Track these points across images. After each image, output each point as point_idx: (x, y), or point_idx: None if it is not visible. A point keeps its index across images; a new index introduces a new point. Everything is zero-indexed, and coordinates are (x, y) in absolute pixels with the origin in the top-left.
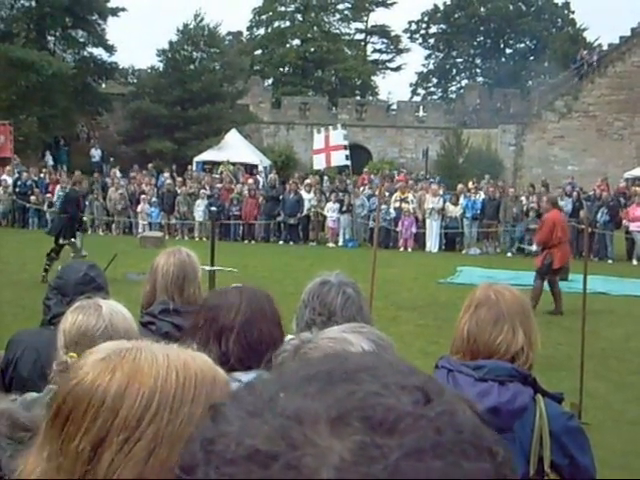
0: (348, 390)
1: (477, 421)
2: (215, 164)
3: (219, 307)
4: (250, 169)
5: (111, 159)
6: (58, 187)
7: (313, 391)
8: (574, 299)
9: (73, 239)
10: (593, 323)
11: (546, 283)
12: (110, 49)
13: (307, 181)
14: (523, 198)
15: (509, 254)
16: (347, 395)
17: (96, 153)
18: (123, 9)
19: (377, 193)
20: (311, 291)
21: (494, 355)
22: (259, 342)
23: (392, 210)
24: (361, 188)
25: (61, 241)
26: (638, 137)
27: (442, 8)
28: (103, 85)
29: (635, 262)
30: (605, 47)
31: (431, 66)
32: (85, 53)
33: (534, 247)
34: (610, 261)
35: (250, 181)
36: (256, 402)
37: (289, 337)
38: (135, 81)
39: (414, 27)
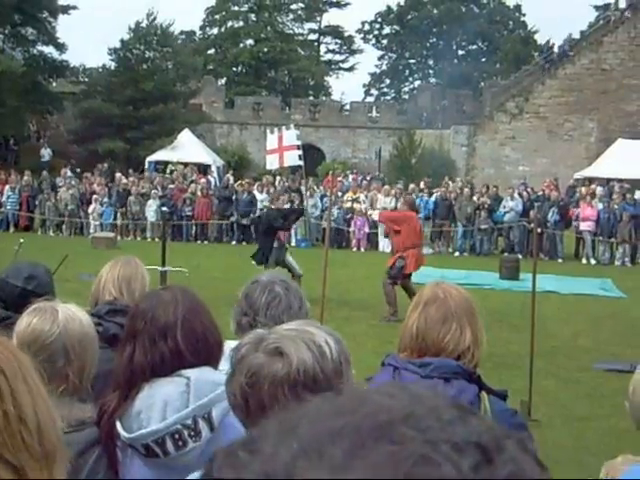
0: (388, 454)
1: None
2: (168, 164)
3: (156, 306)
4: (203, 169)
5: (72, 161)
6: (7, 187)
7: (340, 458)
8: (524, 298)
9: None
10: (543, 321)
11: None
12: (61, 47)
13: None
14: (475, 198)
15: (458, 253)
16: (388, 463)
17: (46, 152)
18: (74, 7)
19: (329, 193)
20: (242, 291)
21: (441, 353)
22: (204, 334)
23: (339, 210)
24: (321, 188)
25: None
26: (587, 138)
27: (395, 9)
28: (54, 84)
29: (584, 261)
30: (556, 50)
31: (384, 67)
32: (35, 51)
33: (375, 215)
34: (560, 260)
35: (203, 181)
36: (267, 472)
37: (232, 341)
38: (86, 80)
39: (367, 28)
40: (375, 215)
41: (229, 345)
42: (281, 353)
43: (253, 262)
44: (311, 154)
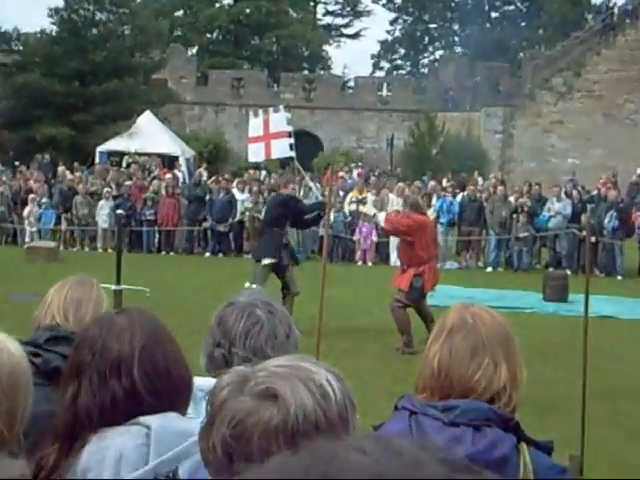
0: None
1: None
2: (124, 156)
3: (108, 334)
4: (169, 162)
5: (2, 151)
6: None
7: None
8: (574, 324)
9: None
10: (598, 355)
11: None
12: None
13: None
14: (512, 199)
15: (490, 269)
16: None
17: None
18: None
19: (327, 193)
20: (215, 316)
21: (470, 394)
22: (168, 370)
23: (347, 212)
24: (317, 186)
25: None
26: None
27: None
28: None
29: None
30: (616, 11)
31: (398, 33)
32: None
33: (380, 220)
34: (619, 277)
35: (168, 177)
36: None
37: (203, 379)
38: (21, 49)
39: None
40: (380, 220)
41: (199, 384)
42: (274, 395)
43: (266, 261)
44: (305, 143)
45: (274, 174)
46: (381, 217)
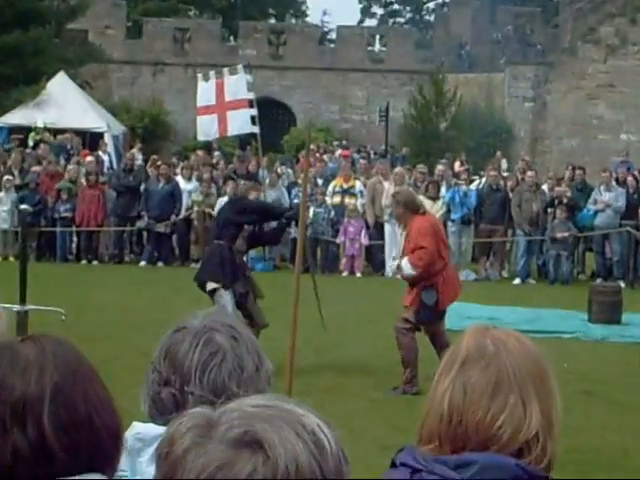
0: None
1: None
2: (31, 132)
3: (9, 370)
4: (91, 141)
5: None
6: None
7: None
8: (630, 354)
9: None
10: None
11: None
12: None
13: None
14: (546, 188)
15: (518, 280)
16: None
17: None
18: None
19: (301, 181)
20: (160, 345)
21: (491, 445)
22: (88, 416)
23: (330, 207)
24: (289, 172)
25: None
26: None
27: None
28: None
29: None
30: None
31: None
32: None
33: (406, 269)
34: None
35: (90, 160)
36: None
37: (142, 425)
38: None
39: None
40: (406, 268)
41: (137, 432)
42: (257, 442)
43: (210, 285)
44: (273, 115)
45: (235, 156)
46: (404, 264)
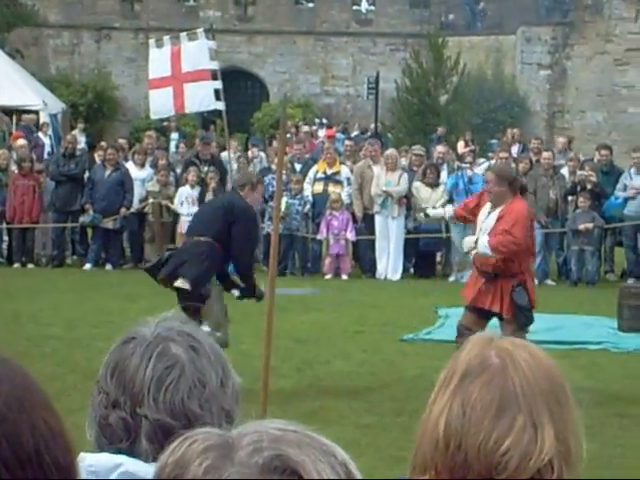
0: None
1: None
2: None
3: None
4: (21, 120)
5: None
6: None
7: None
8: None
9: None
10: None
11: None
12: None
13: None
14: (566, 171)
15: (537, 281)
16: None
17: None
18: None
19: (275, 166)
20: (106, 360)
21: (495, 474)
22: (37, 450)
23: (309, 198)
24: (261, 156)
25: None
26: None
27: None
28: None
29: None
30: None
31: None
32: None
33: (482, 247)
34: None
35: (22, 144)
36: None
37: (95, 456)
38: None
39: None
40: (482, 247)
41: (91, 463)
42: (291, 469)
43: (179, 282)
44: (241, 88)
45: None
46: (482, 242)
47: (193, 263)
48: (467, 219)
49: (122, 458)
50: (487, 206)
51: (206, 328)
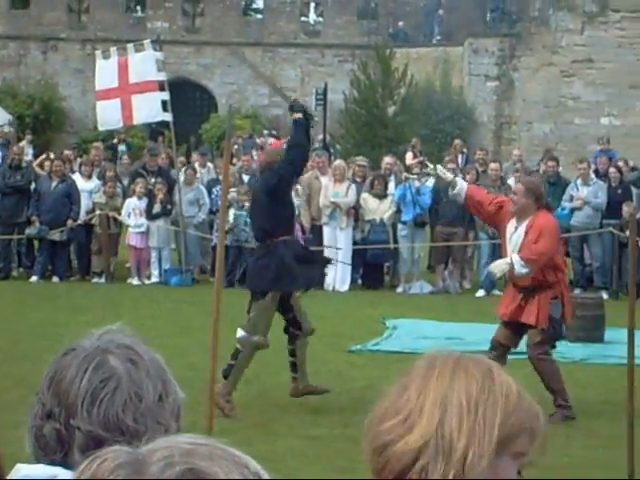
0: None
1: None
2: None
3: None
4: None
5: None
6: None
7: None
8: (613, 377)
9: None
10: None
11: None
12: None
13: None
14: (512, 182)
15: (483, 292)
16: None
17: None
18: None
19: (222, 177)
20: (47, 371)
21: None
22: None
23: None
24: (209, 167)
25: None
26: None
27: None
28: None
29: None
30: None
31: None
32: None
33: (518, 266)
34: None
35: None
36: None
37: (30, 467)
38: None
39: None
40: (518, 264)
41: (22, 475)
42: None
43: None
44: (189, 100)
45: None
46: (517, 261)
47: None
48: (476, 208)
49: (57, 470)
50: (513, 221)
51: (241, 332)
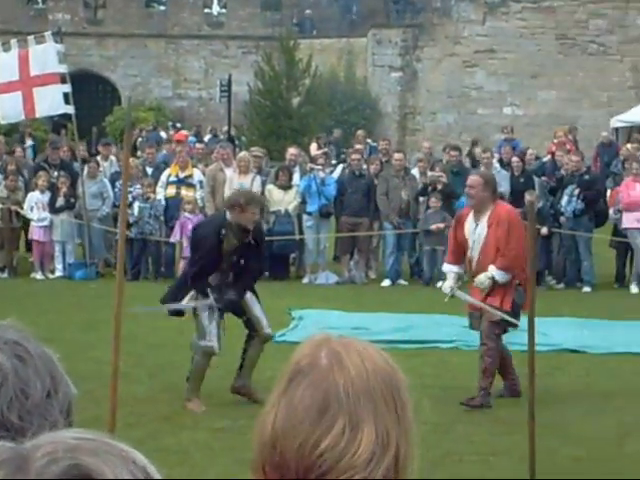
0: None
1: None
2: None
3: None
4: None
5: None
6: None
7: None
8: (517, 364)
9: None
10: (554, 409)
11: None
12: None
13: None
14: (416, 172)
15: (388, 282)
16: None
17: None
18: None
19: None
20: None
21: (310, 474)
22: None
23: (162, 201)
24: (112, 160)
25: None
26: (636, 49)
27: None
28: None
29: (635, 289)
30: None
31: None
32: None
33: (501, 278)
34: (587, 289)
35: None
36: None
37: None
38: None
39: None
40: (496, 275)
41: None
42: (88, 477)
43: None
44: (91, 92)
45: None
46: (498, 274)
47: None
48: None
49: None
50: (470, 218)
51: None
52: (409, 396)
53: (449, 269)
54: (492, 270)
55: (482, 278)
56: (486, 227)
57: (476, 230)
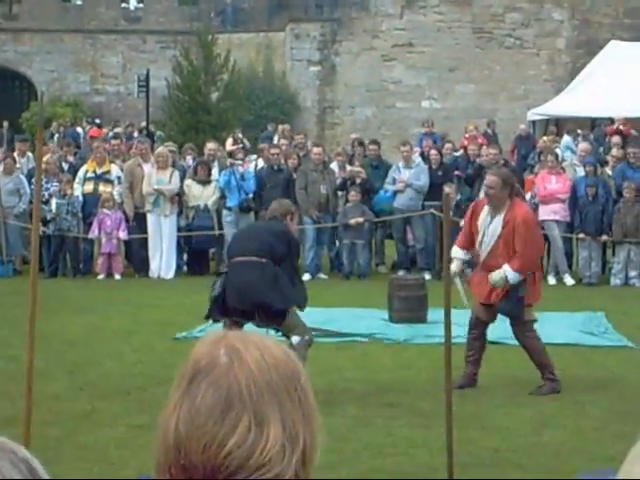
0: None
1: None
2: None
3: None
4: None
5: None
6: None
7: None
8: (436, 356)
9: None
10: (473, 400)
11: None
12: None
13: None
14: (335, 166)
15: (308, 276)
16: None
17: None
18: None
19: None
20: None
21: (218, 475)
22: None
23: (80, 198)
24: (29, 156)
25: None
26: (553, 42)
27: None
28: None
29: (551, 280)
30: None
31: None
32: None
33: (513, 278)
34: None
35: None
36: None
37: None
38: None
39: None
40: (511, 276)
41: None
42: None
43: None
44: (8, 88)
45: None
46: (511, 276)
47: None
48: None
49: None
50: (485, 210)
51: (297, 338)
52: (309, 385)
53: (456, 252)
54: (507, 271)
55: (497, 279)
56: (500, 227)
57: (490, 226)
